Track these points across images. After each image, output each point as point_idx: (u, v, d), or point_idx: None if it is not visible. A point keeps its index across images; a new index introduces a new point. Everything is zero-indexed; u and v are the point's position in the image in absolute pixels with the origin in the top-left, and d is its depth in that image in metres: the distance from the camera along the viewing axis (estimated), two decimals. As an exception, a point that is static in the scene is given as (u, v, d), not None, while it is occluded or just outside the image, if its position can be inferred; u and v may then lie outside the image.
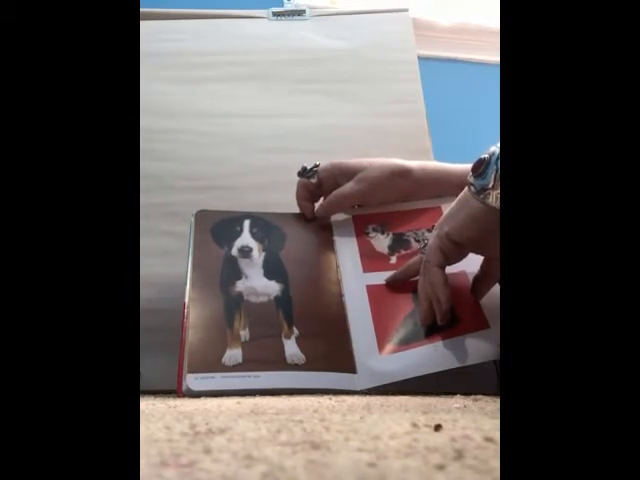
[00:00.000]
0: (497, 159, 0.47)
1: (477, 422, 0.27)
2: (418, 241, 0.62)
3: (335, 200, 0.64)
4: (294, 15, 0.88)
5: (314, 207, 0.66)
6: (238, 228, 0.61)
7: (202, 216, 0.62)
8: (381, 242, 0.63)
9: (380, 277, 0.59)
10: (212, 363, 0.51)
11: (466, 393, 0.47)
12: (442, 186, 0.63)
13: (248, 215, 0.63)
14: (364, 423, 0.27)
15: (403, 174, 0.63)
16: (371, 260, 0.61)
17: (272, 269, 0.59)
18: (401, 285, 0.58)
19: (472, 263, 0.54)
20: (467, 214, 0.49)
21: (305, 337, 0.55)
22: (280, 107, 0.80)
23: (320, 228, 0.65)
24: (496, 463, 0.18)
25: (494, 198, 0.47)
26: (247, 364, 0.52)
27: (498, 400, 0.42)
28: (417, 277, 0.55)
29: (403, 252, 0.61)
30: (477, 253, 0.53)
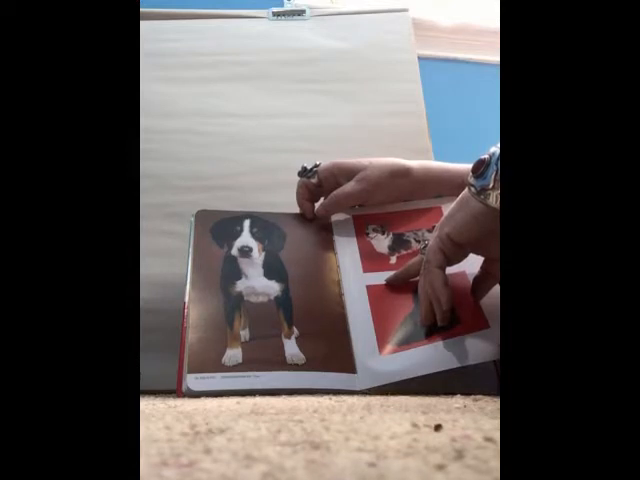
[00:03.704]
0: (497, 159, 0.47)
1: (477, 422, 0.27)
2: (418, 241, 0.62)
3: (335, 200, 0.64)
4: (294, 15, 0.88)
5: (314, 207, 0.66)
6: (238, 228, 0.61)
7: (202, 216, 0.62)
8: (381, 242, 0.63)
9: (380, 277, 0.59)
10: (212, 363, 0.51)
11: (466, 393, 0.47)
12: (443, 186, 0.63)
13: (248, 215, 0.63)
14: (364, 423, 0.27)
15: (403, 173, 0.63)
16: (371, 260, 0.61)
17: (272, 269, 0.59)
18: (401, 285, 0.58)
19: (472, 264, 0.54)
20: (467, 215, 0.49)
21: (305, 337, 0.55)
22: (280, 107, 0.80)
23: (320, 228, 0.65)
24: (496, 463, 0.18)
25: (494, 198, 0.47)
26: (247, 364, 0.52)
27: (498, 400, 0.42)
28: (417, 277, 0.55)
29: (403, 252, 0.61)
30: (477, 254, 0.53)
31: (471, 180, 0.48)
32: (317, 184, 0.65)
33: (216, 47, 0.85)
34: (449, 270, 0.53)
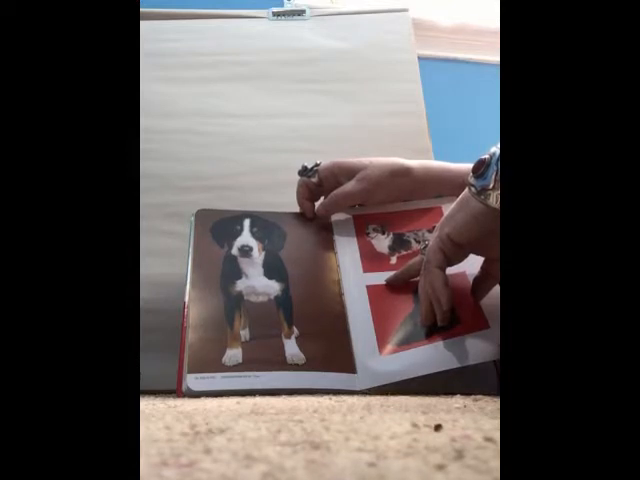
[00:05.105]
0: (497, 160, 0.47)
1: (477, 422, 0.27)
2: (418, 242, 0.62)
3: (335, 199, 0.64)
4: (294, 15, 0.88)
5: (314, 206, 0.66)
6: (238, 227, 0.61)
7: (202, 215, 0.62)
8: (381, 242, 0.63)
9: (380, 277, 0.59)
10: (212, 363, 0.51)
11: (466, 393, 0.47)
12: (443, 185, 0.63)
13: (248, 214, 0.63)
14: (364, 423, 0.27)
15: (403, 173, 0.63)
16: (371, 260, 0.61)
17: (272, 268, 0.59)
18: (401, 285, 0.58)
19: (472, 264, 0.54)
20: (467, 215, 0.49)
21: (305, 337, 0.55)
22: (280, 107, 0.80)
23: (320, 228, 0.65)
24: (496, 463, 0.18)
25: (494, 199, 0.47)
26: (247, 364, 0.52)
27: (498, 400, 0.42)
28: (417, 278, 0.55)
29: (403, 252, 0.61)
30: (478, 254, 0.53)
31: (471, 180, 0.48)
32: (317, 183, 0.65)
33: (216, 47, 0.85)
34: (449, 270, 0.53)
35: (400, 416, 0.31)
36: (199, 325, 0.53)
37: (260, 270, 0.59)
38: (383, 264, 0.61)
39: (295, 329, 0.55)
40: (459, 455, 0.19)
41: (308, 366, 0.53)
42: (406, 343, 0.54)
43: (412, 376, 0.51)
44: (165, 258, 0.67)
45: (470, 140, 0.95)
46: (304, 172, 0.65)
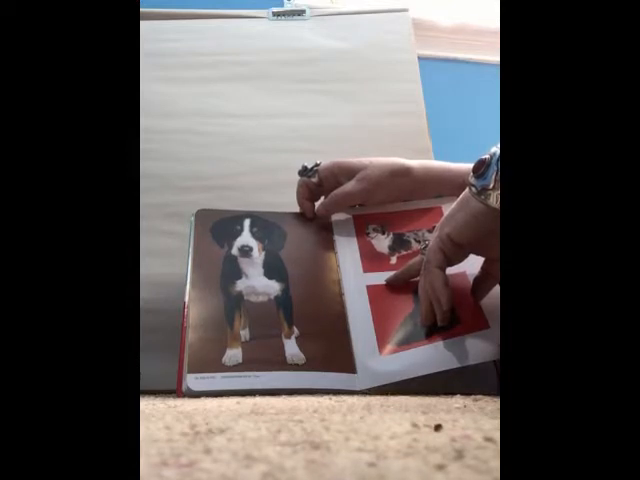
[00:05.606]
0: (498, 160, 0.47)
1: (477, 422, 0.27)
2: (418, 242, 0.62)
3: (336, 199, 0.64)
4: (294, 15, 0.88)
5: (314, 206, 0.66)
6: (238, 227, 0.61)
7: (202, 215, 0.62)
8: (381, 242, 0.63)
9: (380, 277, 0.59)
10: (212, 363, 0.51)
11: (466, 393, 0.47)
12: (443, 185, 0.63)
13: (248, 214, 0.63)
14: (364, 423, 0.27)
15: (403, 173, 0.63)
16: (371, 260, 0.61)
17: (272, 268, 0.59)
18: (401, 285, 0.58)
19: (473, 264, 0.54)
20: (468, 215, 0.49)
21: (305, 337, 0.55)
22: (280, 107, 0.80)
23: (320, 227, 0.65)
24: (496, 463, 0.18)
25: (495, 199, 0.47)
26: (247, 364, 0.52)
27: (498, 400, 0.42)
28: (418, 278, 0.55)
29: (403, 252, 0.61)
30: (478, 254, 0.53)
31: (472, 180, 0.48)
32: (317, 183, 0.65)
33: (216, 47, 0.85)
34: (449, 270, 0.53)
35: (400, 416, 0.31)
36: (199, 325, 0.53)
37: (260, 270, 0.59)
38: (383, 264, 0.61)
39: (295, 329, 0.55)
40: (459, 455, 0.19)
41: (308, 366, 0.53)
42: (406, 343, 0.54)
43: (412, 376, 0.51)
44: (165, 258, 0.67)
45: (470, 140, 0.95)
46: (304, 172, 0.65)
